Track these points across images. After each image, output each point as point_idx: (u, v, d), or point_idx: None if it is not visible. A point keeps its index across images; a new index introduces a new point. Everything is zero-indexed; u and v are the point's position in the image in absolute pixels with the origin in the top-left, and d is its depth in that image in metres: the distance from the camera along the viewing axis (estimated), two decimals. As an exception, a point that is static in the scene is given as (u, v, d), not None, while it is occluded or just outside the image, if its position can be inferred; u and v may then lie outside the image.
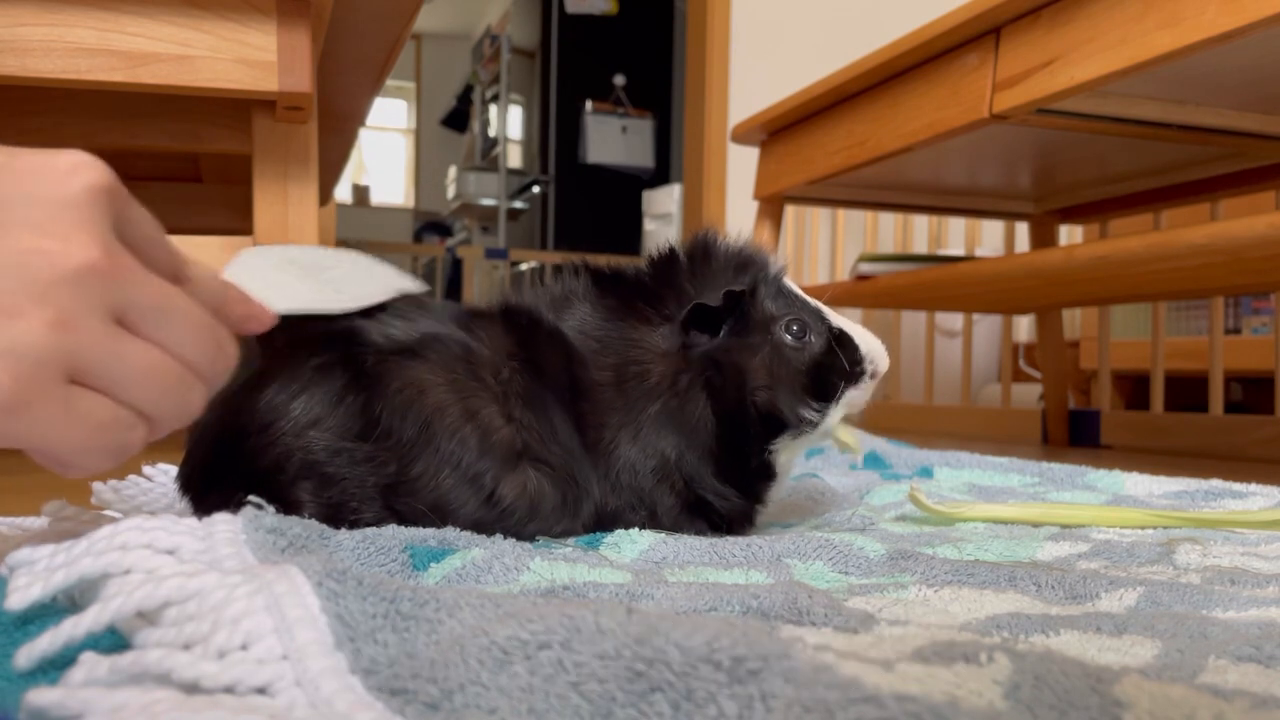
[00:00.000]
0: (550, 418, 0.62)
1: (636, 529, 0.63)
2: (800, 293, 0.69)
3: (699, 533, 0.66)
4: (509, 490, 0.60)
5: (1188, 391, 2.34)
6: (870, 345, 0.69)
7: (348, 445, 0.57)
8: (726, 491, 0.67)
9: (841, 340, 0.68)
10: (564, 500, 0.62)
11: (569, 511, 0.63)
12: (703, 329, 0.66)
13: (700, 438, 0.65)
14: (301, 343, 0.59)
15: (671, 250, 0.69)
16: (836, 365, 0.67)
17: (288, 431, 0.57)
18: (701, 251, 0.68)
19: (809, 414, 0.66)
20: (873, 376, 0.69)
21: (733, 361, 0.65)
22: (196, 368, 0.43)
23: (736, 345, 0.66)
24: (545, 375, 0.63)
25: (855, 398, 0.68)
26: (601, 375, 0.65)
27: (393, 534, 0.53)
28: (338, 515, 0.57)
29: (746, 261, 0.68)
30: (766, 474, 0.69)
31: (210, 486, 0.58)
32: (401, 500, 0.58)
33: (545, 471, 0.62)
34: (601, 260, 0.73)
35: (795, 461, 0.74)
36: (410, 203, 7.27)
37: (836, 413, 0.68)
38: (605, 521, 0.64)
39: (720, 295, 0.64)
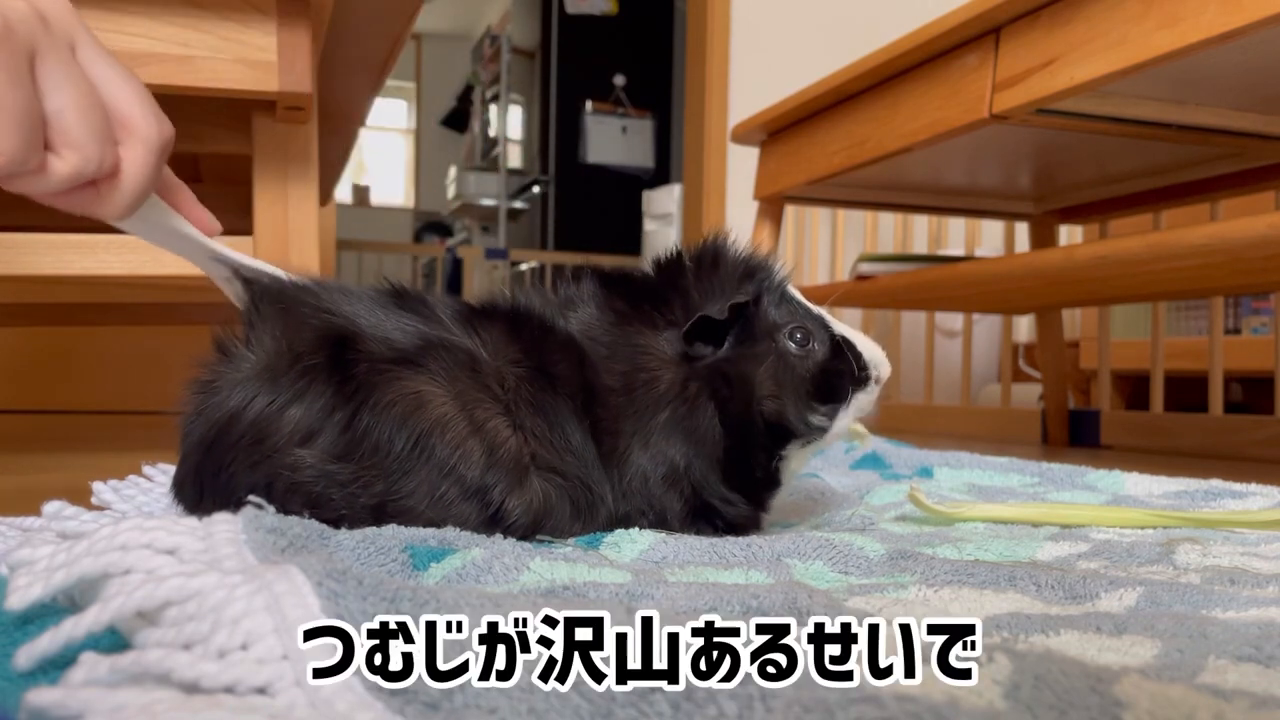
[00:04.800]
0: (563, 425, 0.62)
1: (637, 529, 0.63)
2: (803, 299, 0.69)
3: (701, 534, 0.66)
4: (515, 504, 0.59)
5: (1188, 391, 2.34)
6: (872, 352, 0.69)
7: (332, 468, 0.56)
8: (733, 498, 0.67)
9: (844, 347, 0.68)
10: (575, 509, 0.62)
11: (582, 519, 0.63)
12: (707, 340, 0.65)
13: (708, 446, 0.65)
14: (294, 342, 0.58)
15: (678, 254, 0.68)
16: (841, 371, 0.67)
17: (280, 449, 0.56)
18: (710, 257, 0.67)
19: (817, 420, 0.67)
20: (877, 382, 0.69)
21: (739, 371, 0.65)
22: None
23: (742, 355, 0.66)
24: (557, 381, 0.63)
25: (861, 403, 0.68)
26: (612, 381, 0.64)
27: (393, 534, 0.53)
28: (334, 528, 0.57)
29: (753, 269, 0.67)
30: (772, 481, 0.69)
31: (203, 494, 0.58)
32: (390, 520, 0.57)
33: (556, 481, 0.61)
34: (604, 262, 0.73)
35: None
36: (410, 203, 7.27)
37: (844, 419, 0.68)
38: (615, 525, 0.64)
39: (725, 307, 0.63)
